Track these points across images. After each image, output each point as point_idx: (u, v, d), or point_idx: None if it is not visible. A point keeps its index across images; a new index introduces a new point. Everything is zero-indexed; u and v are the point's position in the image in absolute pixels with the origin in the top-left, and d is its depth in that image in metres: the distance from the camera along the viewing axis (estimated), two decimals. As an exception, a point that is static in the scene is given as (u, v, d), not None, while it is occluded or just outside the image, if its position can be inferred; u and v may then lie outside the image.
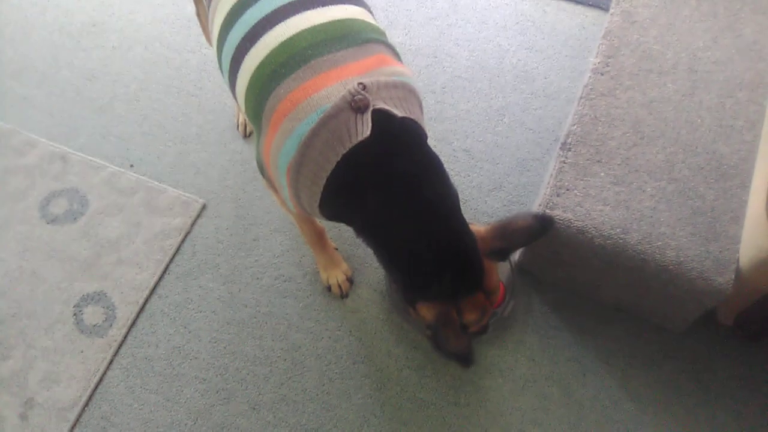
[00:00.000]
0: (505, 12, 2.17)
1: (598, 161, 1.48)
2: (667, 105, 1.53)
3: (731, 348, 1.58)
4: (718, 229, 1.38)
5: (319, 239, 1.59)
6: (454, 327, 1.13)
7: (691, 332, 1.58)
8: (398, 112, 1.09)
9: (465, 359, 1.14)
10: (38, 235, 1.81)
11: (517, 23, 2.15)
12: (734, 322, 1.53)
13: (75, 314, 1.69)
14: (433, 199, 1.10)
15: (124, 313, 1.68)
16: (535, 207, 1.49)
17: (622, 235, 1.39)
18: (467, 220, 1.16)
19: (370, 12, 1.27)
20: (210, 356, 1.63)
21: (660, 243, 1.37)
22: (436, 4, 2.21)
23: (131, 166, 1.93)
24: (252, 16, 1.17)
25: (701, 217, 1.40)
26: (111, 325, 1.67)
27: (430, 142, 1.17)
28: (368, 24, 1.20)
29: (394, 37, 2.13)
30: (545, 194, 1.46)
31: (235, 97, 1.27)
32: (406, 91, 1.14)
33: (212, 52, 1.35)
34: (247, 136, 1.97)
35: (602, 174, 1.46)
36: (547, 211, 1.43)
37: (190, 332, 1.66)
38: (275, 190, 1.29)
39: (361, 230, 1.17)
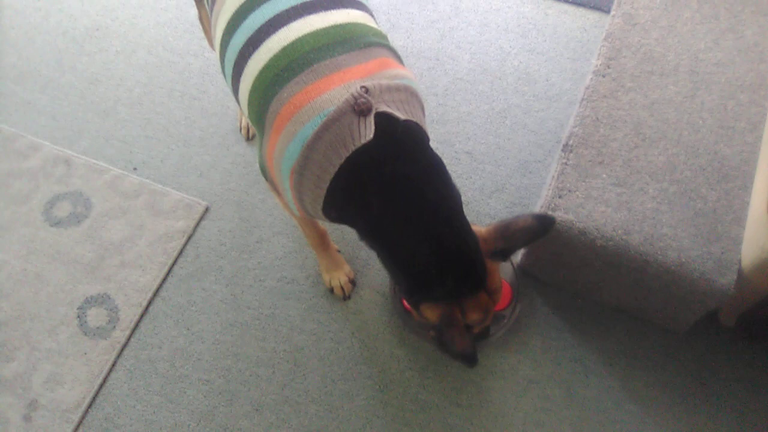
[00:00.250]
0: (506, 15, 2.18)
1: (600, 163, 1.48)
2: (668, 107, 1.53)
3: (733, 349, 1.58)
4: (720, 230, 1.39)
5: (321, 241, 1.60)
6: (458, 327, 1.13)
7: (694, 333, 1.58)
8: (401, 115, 1.09)
9: (469, 359, 1.14)
10: (42, 238, 1.82)
11: (519, 26, 2.15)
12: (736, 323, 1.53)
13: (78, 316, 1.70)
14: (435, 200, 1.11)
15: (128, 315, 1.69)
16: (537, 209, 1.49)
17: (623, 237, 1.39)
18: (469, 222, 1.16)
19: (372, 16, 1.28)
20: (213, 358, 1.63)
21: (662, 244, 1.38)
22: (437, 7, 2.22)
23: (134, 169, 1.94)
24: (254, 21, 1.17)
25: (703, 219, 1.40)
26: (114, 327, 1.68)
27: (433, 144, 1.17)
28: (370, 28, 1.21)
29: (396, 40, 2.14)
30: (547, 196, 1.46)
31: (237, 102, 1.28)
32: (408, 93, 1.14)
33: (215, 56, 1.36)
34: (249, 138, 1.98)
35: (604, 175, 1.46)
36: (549, 212, 1.44)
37: (193, 334, 1.67)
38: (278, 193, 1.30)
39: (365, 232, 1.17)
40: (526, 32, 2.14)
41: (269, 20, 1.16)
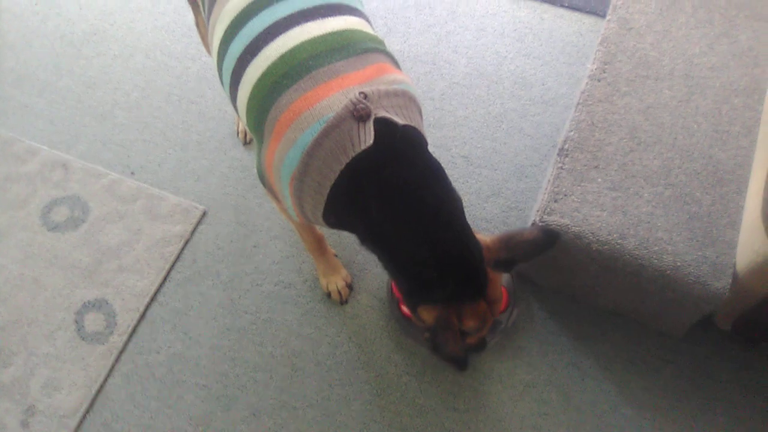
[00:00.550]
0: (503, 19, 2.19)
1: (596, 167, 1.49)
2: (663, 111, 1.54)
3: (729, 352, 1.59)
4: (714, 234, 1.39)
5: (318, 246, 1.60)
6: (453, 331, 1.13)
7: (690, 337, 1.59)
8: (399, 120, 1.10)
9: (460, 363, 1.15)
10: (40, 243, 1.82)
11: (515, 30, 2.16)
12: (732, 326, 1.53)
13: (76, 321, 1.70)
14: (436, 205, 1.11)
15: (125, 320, 1.69)
16: (533, 213, 1.50)
17: (619, 241, 1.40)
18: (474, 230, 1.16)
19: (369, 22, 1.29)
20: (210, 363, 1.64)
21: (657, 248, 1.38)
22: (434, 12, 2.23)
23: (132, 173, 1.95)
24: (252, 29, 1.18)
25: (698, 222, 1.41)
26: (112, 332, 1.68)
27: (430, 148, 1.18)
28: (367, 34, 1.21)
29: (392, 45, 2.14)
30: (543, 200, 1.47)
31: (235, 109, 1.28)
32: (406, 98, 1.15)
33: (212, 61, 1.36)
34: (247, 143, 1.98)
35: (599, 180, 1.47)
36: (545, 216, 1.44)
37: (190, 339, 1.67)
38: (276, 199, 1.30)
39: (365, 237, 1.18)
40: (522, 36, 2.14)
41: (267, 28, 1.17)
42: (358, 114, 1.06)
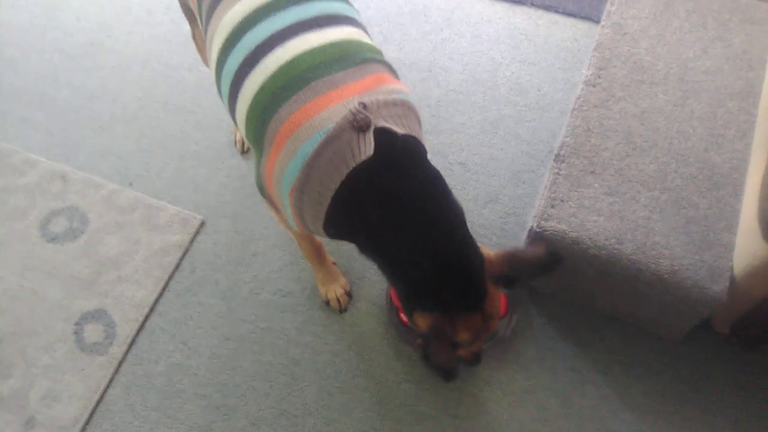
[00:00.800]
0: (498, 26, 2.20)
1: (592, 172, 1.49)
2: (658, 115, 1.55)
3: (728, 356, 1.59)
4: (711, 237, 1.40)
5: (317, 254, 1.60)
6: (444, 340, 1.13)
7: (688, 341, 1.59)
8: (399, 130, 1.10)
9: (448, 374, 1.14)
10: (38, 254, 1.83)
11: (510, 36, 2.17)
12: (730, 330, 1.53)
13: (75, 332, 1.70)
14: (436, 215, 1.12)
15: (124, 331, 1.69)
16: (531, 219, 1.50)
17: (616, 245, 1.40)
18: (478, 242, 1.16)
19: (366, 32, 1.29)
20: (210, 372, 1.64)
21: (654, 252, 1.39)
22: (429, 19, 2.24)
23: (130, 184, 1.95)
24: (250, 41, 1.18)
25: (695, 226, 1.41)
26: (111, 343, 1.68)
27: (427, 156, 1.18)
28: (365, 44, 1.22)
29: (388, 52, 2.15)
30: (540, 206, 1.47)
31: (234, 121, 1.29)
32: (405, 108, 1.15)
33: (210, 73, 1.37)
34: (244, 152, 1.99)
35: (596, 185, 1.47)
36: (542, 222, 1.44)
37: (189, 349, 1.67)
38: (276, 209, 1.31)
39: (365, 247, 1.18)
40: (517, 43, 2.15)
41: (265, 40, 1.17)
42: (358, 124, 1.06)
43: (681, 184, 1.46)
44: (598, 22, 2.14)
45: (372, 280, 1.74)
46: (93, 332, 1.70)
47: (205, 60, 1.75)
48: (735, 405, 1.53)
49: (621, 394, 1.56)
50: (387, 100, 1.12)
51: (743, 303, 1.40)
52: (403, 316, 1.59)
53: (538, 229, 1.44)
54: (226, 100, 1.27)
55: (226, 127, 2.04)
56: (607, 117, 1.56)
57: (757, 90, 1.56)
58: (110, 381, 1.64)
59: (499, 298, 1.20)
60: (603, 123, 1.55)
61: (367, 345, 1.65)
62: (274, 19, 1.19)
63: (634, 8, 1.71)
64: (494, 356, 1.60)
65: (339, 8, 1.25)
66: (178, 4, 1.60)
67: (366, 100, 1.09)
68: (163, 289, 1.76)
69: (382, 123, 1.08)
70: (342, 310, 1.69)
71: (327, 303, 1.69)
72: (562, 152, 1.52)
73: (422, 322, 1.16)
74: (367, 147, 1.06)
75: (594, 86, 1.60)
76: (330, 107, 1.09)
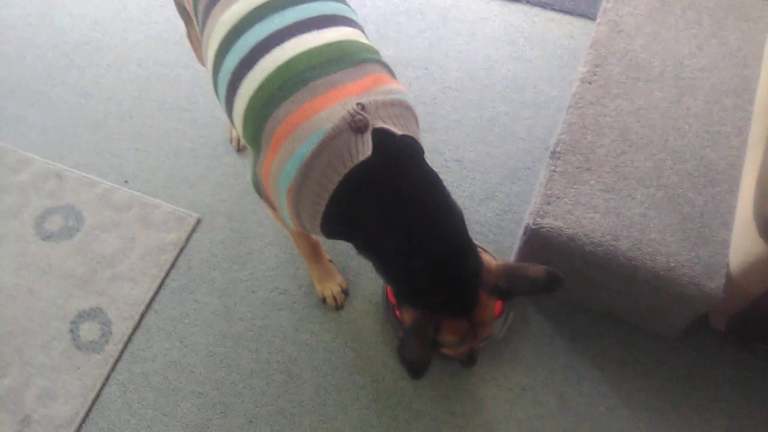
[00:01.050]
0: (494, 23, 2.20)
1: (588, 169, 1.49)
2: (654, 112, 1.55)
3: (724, 353, 1.59)
4: (707, 234, 1.40)
5: (313, 251, 1.60)
6: (423, 338, 1.13)
7: (684, 337, 1.59)
8: (397, 131, 1.10)
9: (415, 370, 1.14)
10: (33, 252, 1.82)
11: (506, 34, 2.17)
12: (726, 326, 1.53)
13: (71, 331, 1.69)
14: (433, 217, 1.12)
15: (121, 329, 1.69)
16: (527, 215, 1.50)
17: (612, 242, 1.40)
18: (484, 249, 1.15)
19: (363, 32, 1.29)
20: (206, 370, 1.63)
21: (650, 249, 1.39)
22: (426, 17, 2.23)
23: (126, 182, 1.95)
24: (247, 42, 1.18)
25: (691, 223, 1.41)
26: (107, 341, 1.67)
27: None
28: (362, 44, 1.22)
29: (384, 50, 2.15)
30: (536, 203, 1.47)
31: (231, 121, 1.28)
32: (402, 108, 1.15)
33: (206, 73, 1.36)
34: (240, 149, 1.98)
35: (592, 182, 1.48)
36: (538, 219, 1.45)
37: (186, 346, 1.67)
38: (273, 208, 1.31)
39: (362, 248, 1.18)
40: (513, 40, 2.15)
41: (262, 40, 1.17)
42: (356, 125, 1.06)
43: (677, 181, 1.46)
44: (594, 19, 2.14)
45: (368, 278, 1.74)
46: (89, 330, 1.69)
47: (201, 58, 1.74)
48: (731, 401, 1.54)
49: (617, 390, 1.56)
50: (385, 100, 1.12)
51: (739, 299, 1.41)
52: (399, 313, 1.59)
53: (534, 226, 1.44)
54: (223, 100, 1.27)
55: (221, 125, 2.04)
56: (603, 114, 1.56)
57: (753, 87, 1.56)
58: (106, 379, 1.63)
59: (492, 308, 1.19)
60: (599, 120, 1.55)
61: (364, 342, 1.65)
62: (272, 19, 1.19)
63: (629, 5, 1.71)
64: (490, 353, 1.61)
65: (336, 9, 1.25)
66: (172, 3, 1.59)
67: (364, 100, 1.09)
68: (159, 287, 1.75)
69: (380, 123, 1.08)
70: (338, 308, 1.69)
71: (323, 300, 1.69)
72: (558, 149, 1.52)
73: (407, 316, 1.17)
74: (364, 148, 1.06)
75: (590, 83, 1.61)
76: (328, 108, 1.09)
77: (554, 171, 1.50)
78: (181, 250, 1.81)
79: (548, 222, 1.44)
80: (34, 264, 1.80)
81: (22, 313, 1.73)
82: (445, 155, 1.92)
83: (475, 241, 1.20)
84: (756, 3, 1.69)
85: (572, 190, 1.47)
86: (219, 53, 1.23)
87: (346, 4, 1.31)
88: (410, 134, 1.13)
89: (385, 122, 1.09)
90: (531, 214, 1.47)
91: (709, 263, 1.37)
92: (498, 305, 1.59)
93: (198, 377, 1.62)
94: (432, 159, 1.89)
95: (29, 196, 1.92)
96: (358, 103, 1.08)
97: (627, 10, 1.71)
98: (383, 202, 1.10)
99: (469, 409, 1.55)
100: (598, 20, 1.71)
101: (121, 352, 1.67)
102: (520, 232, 1.59)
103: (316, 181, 1.09)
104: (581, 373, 1.59)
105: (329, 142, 1.06)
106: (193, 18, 1.41)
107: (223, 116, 2.05)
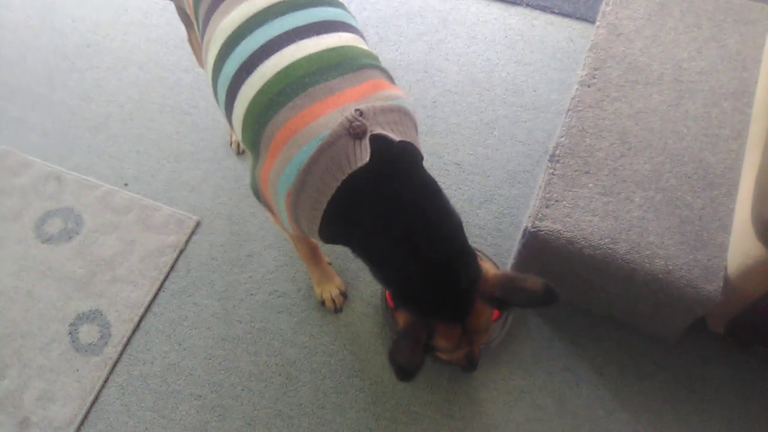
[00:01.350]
0: (493, 26, 2.20)
1: (587, 172, 1.49)
2: (653, 115, 1.55)
3: (723, 355, 1.59)
4: (705, 237, 1.40)
5: (312, 254, 1.60)
6: (415, 342, 1.13)
7: (683, 340, 1.59)
8: (395, 137, 1.10)
9: (403, 373, 1.13)
10: (33, 255, 1.82)
11: (506, 37, 2.17)
12: (724, 329, 1.53)
13: (70, 333, 1.70)
14: (431, 223, 1.12)
15: (120, 331, 1.69)
16: (525, 218, 1.50)
17: (611, 245, 1.40)
18: (485, 257, 1.15)
19: (363, 37, 1.30)
20: (205, 373, 1.63)
21: (649, 252, 1.39)
22: (425, 20, 2.24)
23: (126, 184, 1.95)
24: (247, 48, 1.18)
25: (689, 226, 1.41)
26: (106, 343, 1.68)
27: (424, 158, 1.18)
28: (362, 50, 1.22)
29: (384, 53, 2.16)
30: (535, 206, 1.47)
31: (231, 126, 1.29)
32: (401, 114, 1.16)
33: (206, 77, 1.36)
34: (240, 153, 1.99)
35: (590, 185, 1.48)
36: (537, 222, 1.45)
37: (185, 349, 1.67)
38: (272, 211, 1.31)
39: (360, 253, 1.19)
40: (513, 43, 2.16)
41: (262, 46, 1.17)
42: (354, 131, 1.06)
43: (675, 184, 1.46)
44: (593, 22, 2.14)
45: (367, 281, 1.74)
46: (88, 333, 1.69)
47: (201, 62, 1.75)
48: (729, 404, 1.53)
49: (616, 393, 1.56)
50: (383, 106, 1.12)
51: (737, 302, 1.41)
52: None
53: (532, 229, 1.44)
54: (222, 105, 1.27)
55: (221, 129, 2.04)
56: (602, 117, 1.56)
57: (752, 90, 1.56)
58: (105, 381, 1.63)
59: (487, 316, 1.19)
60: (598, 123, 1.55)
61: (363, 345, 1.65)
62: (272, 25, 1.19)
63: (629, 9, 1.72)
64: (489, 356, 1.61)
65: (336, 14, 1.25)
66: (173, 6, 1.60)
67: (362, 107, 1.09)
68: (159, 289, 1.76)
69: (378, 130, 1.09)
70: (337, 311, 1.69)
71: (322, 303, 1.69)
72: (557, 152, 1.52)
73: (401, 318, 1.17)
74: (362, 154, 1.06)
75: (589, 86, 1.61)
76: (326, 114, 1.09)
77: (553, 174, 1.50)
78: (181, 252, 1.81)
79: (547, 225, 1.44)
80: (34, 266, 1.80)
81: (22, 315, 1.73)
82: (444, 158, 1.92)
83: (475, 246, 1.20)
84: (755, 6, 1.69)
85: (571, 193, 1.47)
86: (219, 59, 1.24)
87: (345, 9, 1.32)
88: (409, 140, 1.14)
89: (383, 128, 1.09)
90: (530, 217, 1.47)
91: (708, 266, 1.37)
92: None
93: (197, 380, 1.62)
94: (431, 162, 1.90)
95: (30, 199, 1.92)
96: (356, 109, 1.08)
97: (626, 13, 1.71)
98: (381, 208, 1.10)
99: (468, 412, 1.55)
100: (598, 23, 1.71)
101: (120, 354, 1.67)
102: (519, 235, 1.60)
103: (314, 186, 1.09)
104: (580, 375, 1.59)
105: (327, 148, 1.07)
106: (194, 22, 1.41)
107: (223, 120, 2.05)
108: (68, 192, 1.93)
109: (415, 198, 1.12)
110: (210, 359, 1.65)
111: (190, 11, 1.41)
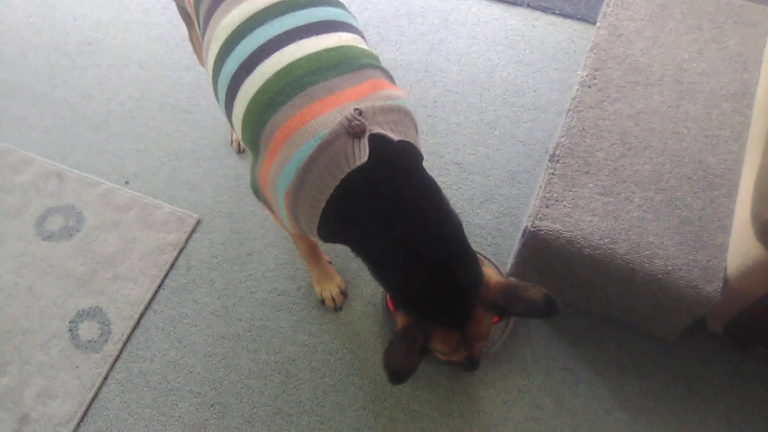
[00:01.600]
0: (494, 27, 2.21)
1: (587, 172, 1.50)
2: (653, 116, 1.55)
3: (722, 356, 1.59)
4: (705, 237, 1.40)
5: (312, 253, 1.61)
6: (411, 345, 1.13)
7: (682, 341, 1.59)
8: (394, 136, 1.10)
9: (396, 376, 1.14)
10: (34, 252, 1.82)
11: (507, 38, 2.18)
12: (723, 330, 1.54)
13: (71, 330, 1.70)
14: (430, 223, 1.12)
15: (120, 329, 1.69)
16: (525, 218, 1.50)
17: (610, 245, 1.40)
18: (490, 262, 1.15)
19: (363, 37, 1.30)
20: (205, 370, 1.64)
21: (648, 252, 1.39)
22: (426, 20, 2.24)
23: (126, 182, 1.95)
24: (247, 47, 1.19)
25: (689, 227, 1.41)
26: (106, 341, 1.68)
27: (423, 157, 1.18)
28: (362, 50, 1.22)
29: (385, 53, 2.16)
30: (535, 205, 1.48)
31: (231, 124, 1.29)
32: (401, 114, 1.16)
33: (207, 76, 1.37)
34: (240, 151, 1.99)
35: (591, 185, 1.48)
36: (537, 222, 1.45)
37: (184, 346, 1.67)
38: (271, 209, 1.31)
39: (358, 252, 1.19)
40: (513, 44, 2.16)
41: (262, 45, 1.18)
42: (353, 131, 1.07)
43: (675, 185, 1.46)
44: (593, 23, 2.15)
45: (367, 279, 1.74)
46: (88, 330, 1.70)
47: (202, 61, 1.75)
48: (728, 405, 1.54)
49: (615, 393, 1.56)
50: (383, 106, 1.12)
51: (736, 303, 1.41)
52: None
53: (532, 229, 1.45)
54: (222, 104, 1.28)
55: (222, 127, 2.05)
56: (603, 118, 1.56)
57: (752, 91, 1.56)
58: (105, 378, 1.64)
59: (487, 323, 1.19)
60: (598, 123, 1.55)
61: (362, 343, 1.65)
62: (272, 24, 1.19)
63: (629, 10, 1.72)
64: (489, 356, 1.61)
65: (336, 14, 1.26)
66: (174, 5, 1.60)
67: (362, 106, 1.09)
68: (159, 287, 1.76)
69: (377, 129, 1.09)
70: (337, 309, 1.70)
71: (322, 302, 1.70)
72: (557, 152, 1.53)
73: (400, 320, 1.18)
74: (361, 153, 1.06)
75: (589, 87, 1.61)
76: (325, 113, 1.09)
77: (553, 174, 1.50)
78: (181, 250, 1.81)
79: (547, 225, 1.44)
80: (35, 263, 1.81)
81: (22, 312, 1.73)
82: (445, 158, 1.92)
83: (477, 249, 1.20)
84: (756, 8, 1.69)
85: (571, 193, 1.47)
86: (219, 58, 1.24)
87: (345, 9, 1.32)
88: (408, 140, 1.14)
89: (382, 128, 1.10)
90: (530, 216, 1.47)
91: (707, 267, 1.37)
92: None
93: (196, 377, 1.63)
94: (432, 162, 1.90)
95: (30, 196, 1.93)
96: (355, 109, 1.08)
97: (627, 14, 1.71)
98: (379, 207, 1.11)
99: (467, 410, 1.56)
100: (598, 24, 1.71)
101: (120, 351, 1.67)
102: (519, 234, 1.60)
103: (313, 185, 1.09)
104: (579, 375, 1.59)
105: (326, 147, 1.07)
106: (195, 21, 1.41)
107: (224, 118, 2.05)
108: (69, 189, 1.94)
109: (415, 198, 1.12)
110: (210, 357, 1.65)
111: (191, 10, 1.42)
